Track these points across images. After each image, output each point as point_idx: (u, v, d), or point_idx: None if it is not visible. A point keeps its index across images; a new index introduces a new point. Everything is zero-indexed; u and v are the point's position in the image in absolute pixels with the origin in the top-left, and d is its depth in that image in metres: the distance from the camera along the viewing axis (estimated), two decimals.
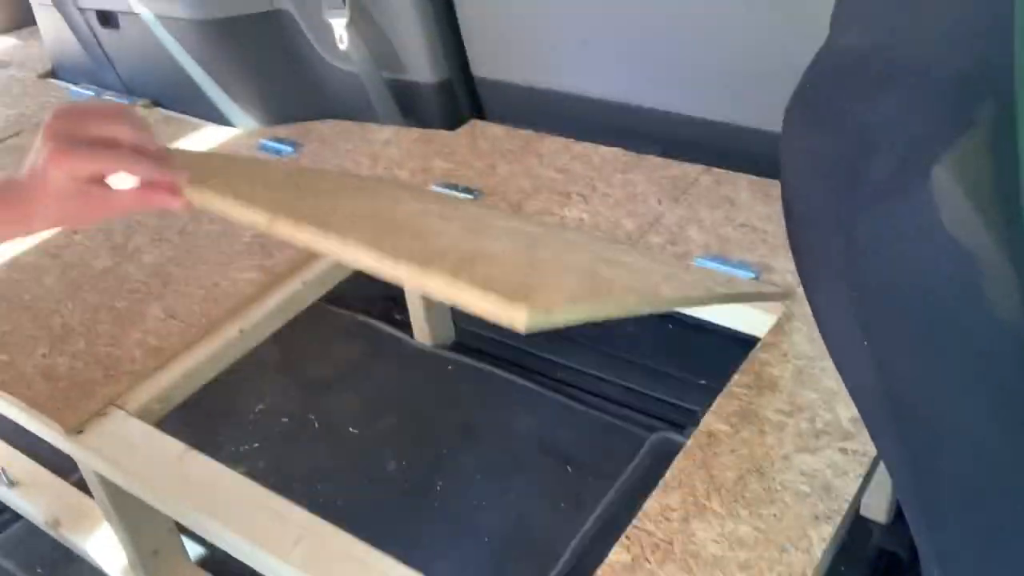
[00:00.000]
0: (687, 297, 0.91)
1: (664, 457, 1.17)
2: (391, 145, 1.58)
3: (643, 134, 1.45)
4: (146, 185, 0.81)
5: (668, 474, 0.90)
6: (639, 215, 1.30)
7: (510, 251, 0.81)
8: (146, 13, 1.68)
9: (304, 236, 0.70)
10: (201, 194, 0.79)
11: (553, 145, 1.51)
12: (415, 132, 1.61)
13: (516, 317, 0.56)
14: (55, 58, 2.02)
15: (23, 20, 2.15)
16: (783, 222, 0.86)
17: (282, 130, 1.67)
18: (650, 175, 1.40)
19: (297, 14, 1.59)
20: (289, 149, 1.60)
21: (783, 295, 1.11)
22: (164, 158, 0.79)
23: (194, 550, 1.31)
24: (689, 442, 0.93)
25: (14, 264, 1.37)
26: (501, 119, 1.60)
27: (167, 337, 1.19)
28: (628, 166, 1.43)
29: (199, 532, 1.02)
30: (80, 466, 1.14)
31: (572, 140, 1.51)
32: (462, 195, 1.39)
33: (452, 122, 1.60)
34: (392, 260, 0.64)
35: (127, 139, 0.79)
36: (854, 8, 0.67)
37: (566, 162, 1.46)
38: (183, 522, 1.05)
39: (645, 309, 0.79)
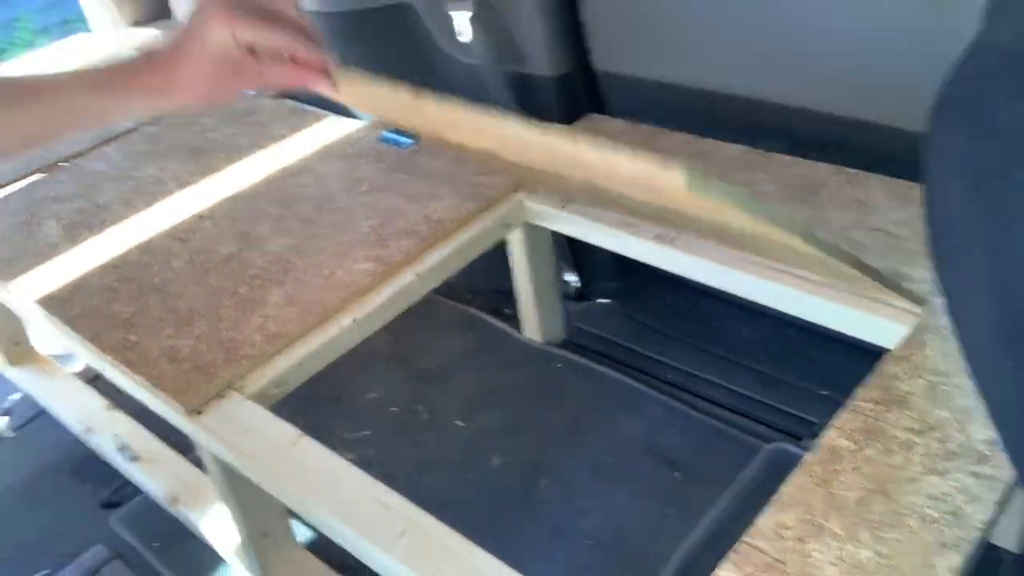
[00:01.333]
0: (833, 247, 0.85)
1: (779, 469, 1.13)
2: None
3: (770, 130, 1.39)
4: (299, 63, 0.83)
5: (784, 489, 0.86)
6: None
7: None
8: None
9: (449, 110, 0.72)
10: (349, 79, 0.84)
11: (675, 141, 1.47)
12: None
13: (674, 176, 0.55)
14: None
15: (162, 12, 2.24)
16: (920, 227, 0.80)
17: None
18: (776, 174, 1.34)
19: (420, 7, 1.60)
20: (409, 141, 1.61)
21: (918, 299, 1.04)
22: (320, 40, 0.81)
23: (303, 533, 1.34)
24: (808, 456, 0.89)
25: (147, 247, 1.42)
26: (622, 113, 1.57)
27: (285, 323, 1.21)
28: (753, 164, 1.37)
29: (307, 518, 1.04)
30: (198, 446, 1.18)
31: (695, 136, 1.47)
32: None
33: (570, 116, 1.58)
34: (541, 131, 0.65)
35: (290, 15, 0.81)
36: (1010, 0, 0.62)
37: (688, 159, 1.41)
38: (292, 507, 1.07)
39: (790, 235, 0.76)
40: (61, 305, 1.32)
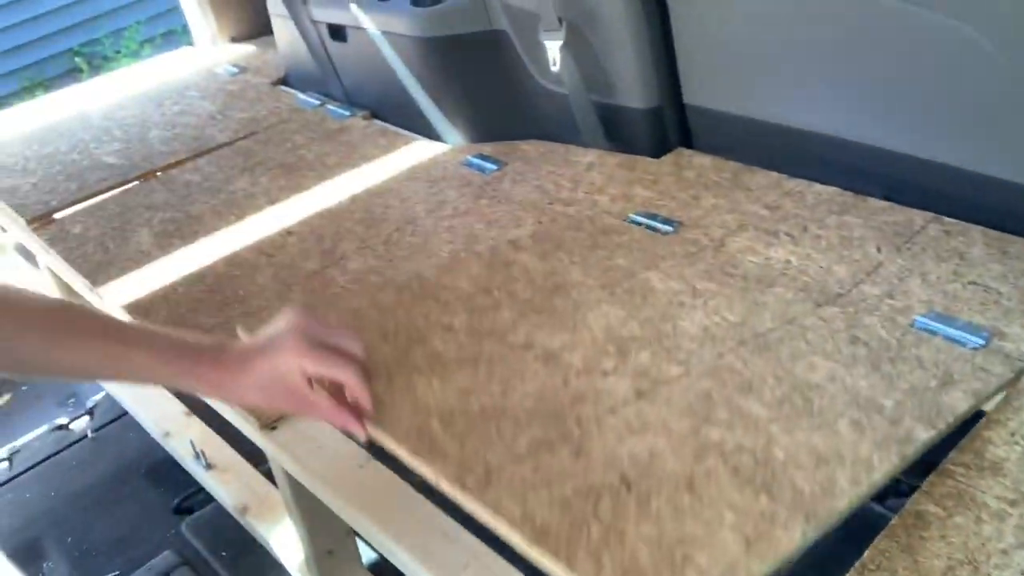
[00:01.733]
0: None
1: (860, 527, 1.08)
2: (593, 169, 1.56)
3: (864, 174, 1.35)
4: (344, 402, 0.93)
5: (867, 554, 0.82)
6: (853, 262, 1.21)
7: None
8: (372, 29, 1.75)
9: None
10: (382, 435, 0.94)
11: (764, 179, 1.44)
12: (619, 157, 1.58)
13: None
14: (287, 66, 2.15)
15: (262, 30, 2.30)
16: (1021, 283, 0.76)
17: (488, 148, 1.69)
18: (869, 219, 1.30)
19: (513, 35, 1.61)
20: (493, 167, 1.61)
21: (1015, 375, 0.99)
22: (369, 384, 0.92)
23: (368, 555, 1.34)
24: (894, 520, 0.85)
25: (233, 260, 1.45)
26: (710, 149, 1.54)
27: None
28: (845, 207, 1.33)
29: (371, 541, 1.04)
30: (270, 461, 1.19)
31: (785, 176, 1.43)
32: (661, 224, 1.35)
33: (658, 149, 1.56)
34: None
35: (356, 358, 0.92)
36: None
37: (776, 198, 1.38)
38: (356, 528, 1.07)
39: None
40: (147, 313, 1.35)
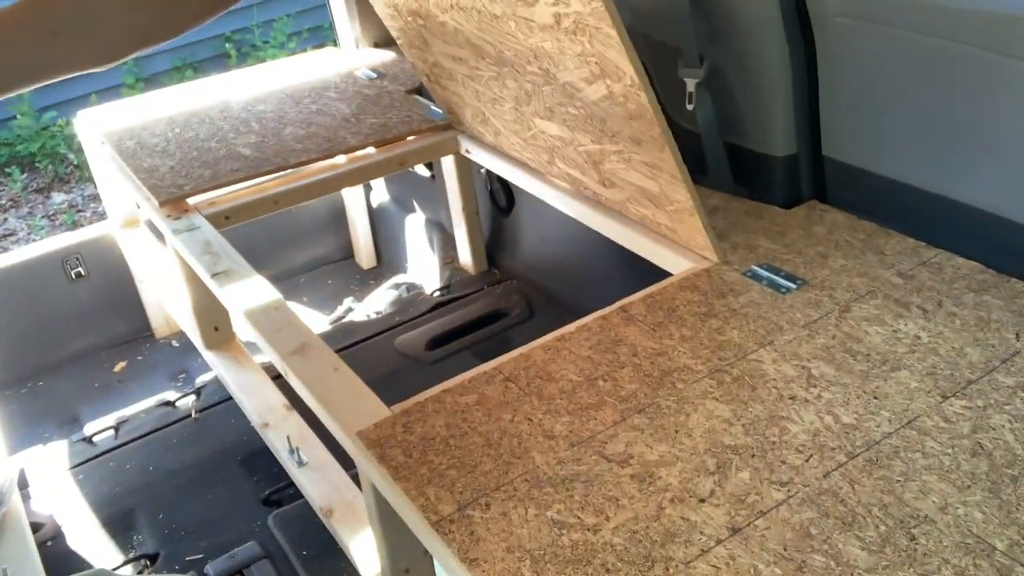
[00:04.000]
0: None
1: None
2: (718, 213, 1.51)
3: (1010, 252, 1.26)
4: None
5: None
6: (989, 346, 1.13)
7: None
8: None
9: None
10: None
11: (900, 245, 1.36)
12: (746, 204, 1.53)
13: None
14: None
15: None
16: None
17: None
18: (1011, 301, 1.21)
19: (651, 67, 1.58)
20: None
21: None
22: None
23: None
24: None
25: None
26: (845, 206, 1.47)
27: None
28: (985, 286, 1.25)
29: (444, 567, 1.02)
30: (358, 470, 1.19)
31: (923, 244, 1.35)
32: (783, 281, 1.29)
33: (790, 200, 1.50)
34: None
35: None
36: None
37: (912, 267, 1.31)
38: (432, 552, 1.06)
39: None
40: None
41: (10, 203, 4.62)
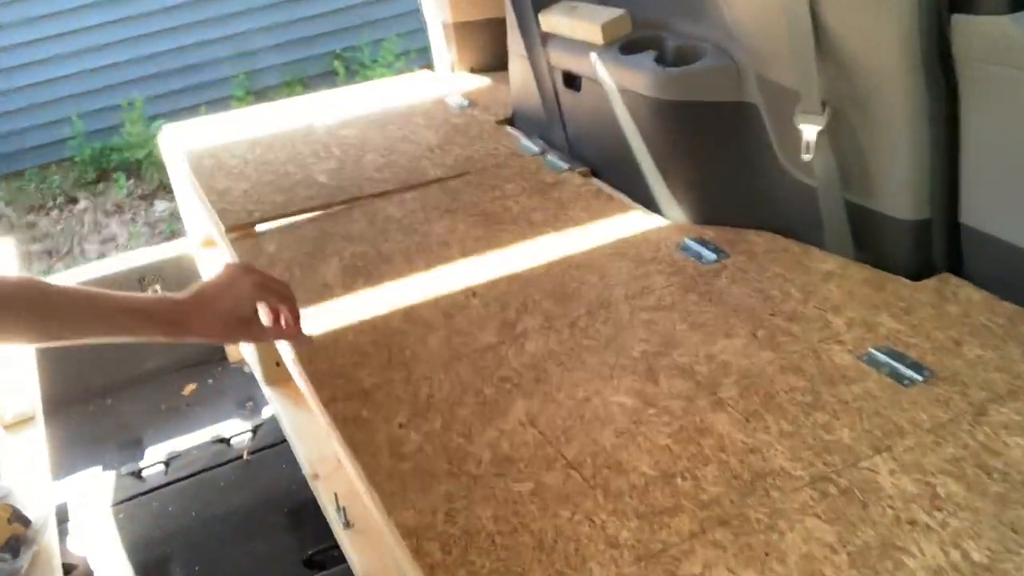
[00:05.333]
0: None
1: None
2: (832, 280, 1.32)
3: None
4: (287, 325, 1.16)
5: None
6: None
7: None
8: (610, 83, 1.60)
9: None
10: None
11: None
12: (866, 271, 1.33)
13: None
14: (516, 106, 2.04)
15: (500, 64, 2.21)
16: None
17: (711, 232, 1.49)
18: None
19: (765, 111, 1.40)
20: (712, 256, 1.41)
21: None
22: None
23: None
24: None
25: (409, 314, 1.34)
26: (984, 282, 1.26)
27: (519, 447, 1.06)
28: None
29: None
30: (397, 558, 1.06)
31: None
32: (907, 371, 1.10)
33: (919, 271, 1.30)
34: None
35: (285, 289, 1.15)
36: None
37: None
38: None
39: None
40: (311, 357, 1.26)
41: (114, 208, 4.72)
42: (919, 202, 1.26)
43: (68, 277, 2.26)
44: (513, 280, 1.40)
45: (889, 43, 1.18)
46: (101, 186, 4.97)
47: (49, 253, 4.36)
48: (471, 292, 1.38)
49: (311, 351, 1.26)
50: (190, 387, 2.32)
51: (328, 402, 1.18)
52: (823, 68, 1.25)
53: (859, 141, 1.28)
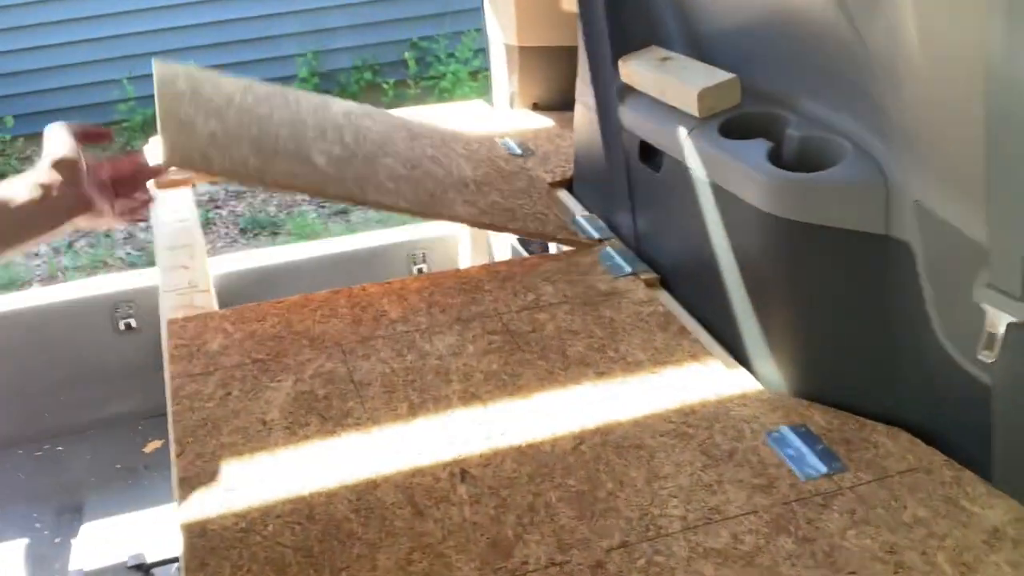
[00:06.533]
0: None
1: None
2: (1003, 548, 0.86)
3: None
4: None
5: None
6: None
7: None
8: (701, 173, 1.15)
9: None
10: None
11: None
12: None
13: None
14: (577, 168, 1.60)
15: (569, 102, 1.75)
16: None
17: (821, 416, 1.03)
18: None
19: (923, 258, 0.94)
20: (819, 466, 0.96)
21: None
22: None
23: None
24: None
25: (363, 499, 0.93)
26: None
27: None
28: None
29: None
30: None
31: None
32: None
33: None
34: None
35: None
36: None
37: None
38: None
39: None
40: (219, 548, 0.85)
41: None
42: None
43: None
44: (524, 458, 0.97)
45: None
46: None
47: None
48: (460, 471, 0.96)
49: (204, 549, 0.85)
50: (153, 444, 1.97)
51: None
52: None
53: None
